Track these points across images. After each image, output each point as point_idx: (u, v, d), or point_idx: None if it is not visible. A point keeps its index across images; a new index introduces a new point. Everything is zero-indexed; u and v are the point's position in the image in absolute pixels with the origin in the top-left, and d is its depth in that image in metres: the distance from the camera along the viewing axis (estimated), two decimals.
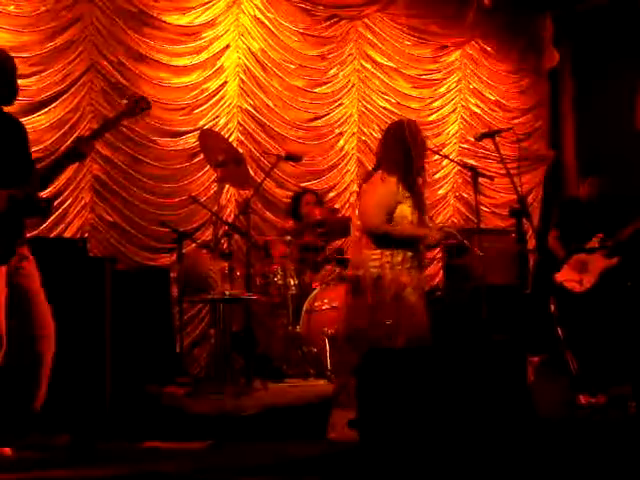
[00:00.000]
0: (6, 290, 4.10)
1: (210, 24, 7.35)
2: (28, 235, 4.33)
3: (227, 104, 7.50)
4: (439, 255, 8.21)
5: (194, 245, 6.55)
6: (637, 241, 6.59)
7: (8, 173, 4.06)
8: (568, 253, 6.72)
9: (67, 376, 4.88)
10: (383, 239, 4.34)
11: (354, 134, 8.36)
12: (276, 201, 7.64)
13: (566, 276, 6.64)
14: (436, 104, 9.00)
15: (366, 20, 8.45)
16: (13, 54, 6.13)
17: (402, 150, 4.39)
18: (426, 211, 4.47)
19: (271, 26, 7.75)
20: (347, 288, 4.44)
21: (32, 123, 6.13)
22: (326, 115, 8.16)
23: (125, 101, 4.43)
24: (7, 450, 4.07)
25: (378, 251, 4.32)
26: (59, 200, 6.39)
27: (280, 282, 5.97)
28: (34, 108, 6.32)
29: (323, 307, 5.97)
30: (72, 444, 4.27)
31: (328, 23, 8.20)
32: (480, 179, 5.17)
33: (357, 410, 3.61)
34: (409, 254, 4.34)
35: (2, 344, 4.16)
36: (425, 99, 8.93)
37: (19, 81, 6.18)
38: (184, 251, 6.35)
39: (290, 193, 7.45)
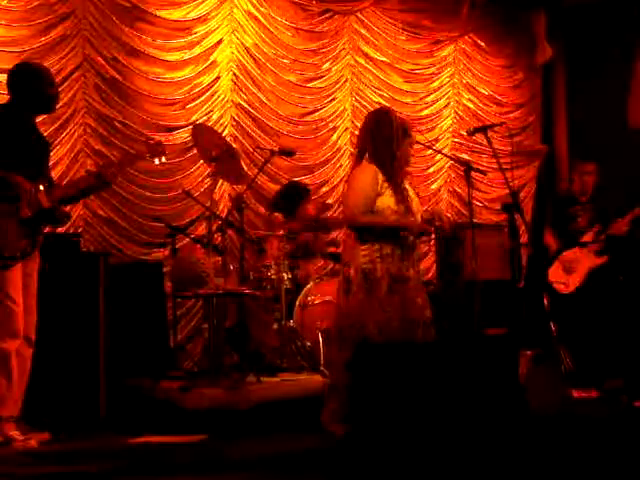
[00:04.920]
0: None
1: (203, 19, 7.34)
2: None
3: (220, 99, 7.49)
4: (432, 249, 8.24)
5: (187, 240, 6.55)
6: (629, 236, 6.61)
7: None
8: (561, 247, 6.73)
9: (60, 371, 4.90)
10: (364, 231, 4.25)
11: (347, 129, 8.36)
12: (269, 196, 7.63)
13: (554, 277, 6.67)
14: (429, 99, 9.00)
15: (359, 15, 8.45)
16: (5, 49, 6.21)
17: (376, 139, 4.30)
18: (406, 202, 4.29)
19: (264, 21, 7.74)
20: (339, 286, 4.37)
21: None
22: (319, 110, 8.16)
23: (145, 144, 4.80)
24: (46, 435, 4.30)
25: (367, 245, 4.24)
26: None
27: (274, 277, 5.96)
28: None
29: (316, 301, 5.98)
30: (53, 441, 4.32)
31: (321, 18, 8.20)
32: (473, 173, 5.17)
33: (349, 404, 3.61)
34: (398, 245, 4.25)
35: (31, 345, 4.33)
36: (418, 94, 8.93)
37: None
38: (178, 246, 6.36)
39: None
